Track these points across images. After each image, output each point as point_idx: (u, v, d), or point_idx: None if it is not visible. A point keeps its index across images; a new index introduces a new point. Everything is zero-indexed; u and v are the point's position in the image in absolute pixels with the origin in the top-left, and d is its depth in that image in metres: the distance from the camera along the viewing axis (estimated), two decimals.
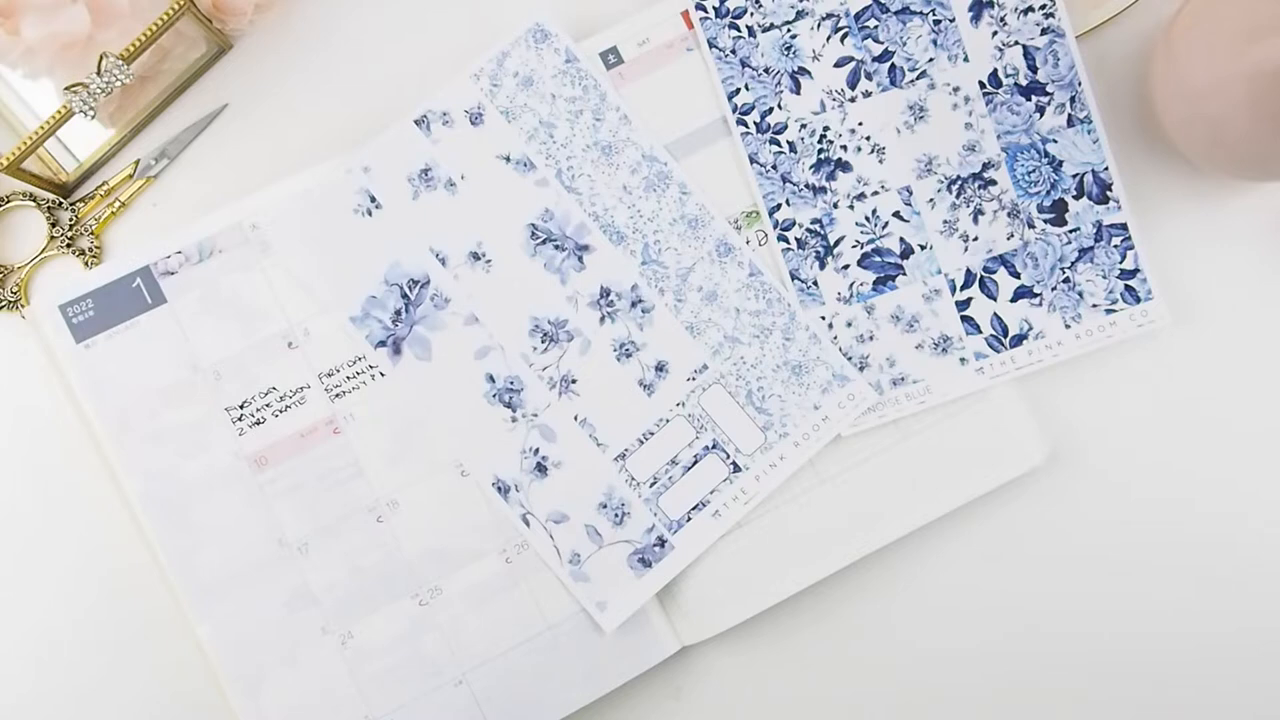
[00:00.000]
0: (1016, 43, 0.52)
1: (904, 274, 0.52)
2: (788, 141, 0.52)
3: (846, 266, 0.52)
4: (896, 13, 0.52)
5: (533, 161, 0.51)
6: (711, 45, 0.52)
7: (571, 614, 0.50)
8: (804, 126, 0.52)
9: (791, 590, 0.50)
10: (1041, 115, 0.52)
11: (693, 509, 0.50)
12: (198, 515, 0.49)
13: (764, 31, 0.52)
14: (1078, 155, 0.52)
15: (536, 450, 0.50)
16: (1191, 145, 0.50)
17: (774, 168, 0.52)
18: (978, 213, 0.52)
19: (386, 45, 0.54)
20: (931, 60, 0.52)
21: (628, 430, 0.51)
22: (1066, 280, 0.52)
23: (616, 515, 0.50)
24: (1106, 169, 0.52)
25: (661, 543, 0.50)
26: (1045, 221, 0.52)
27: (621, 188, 0.51)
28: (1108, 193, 0.52)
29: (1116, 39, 0.53)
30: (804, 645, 0.52)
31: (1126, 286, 0.52)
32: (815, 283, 0.52)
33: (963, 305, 0.52)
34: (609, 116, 0.52)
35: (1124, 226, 0.52)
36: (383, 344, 0.50)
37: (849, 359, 0.51)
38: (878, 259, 0.52)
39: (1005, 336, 0.51)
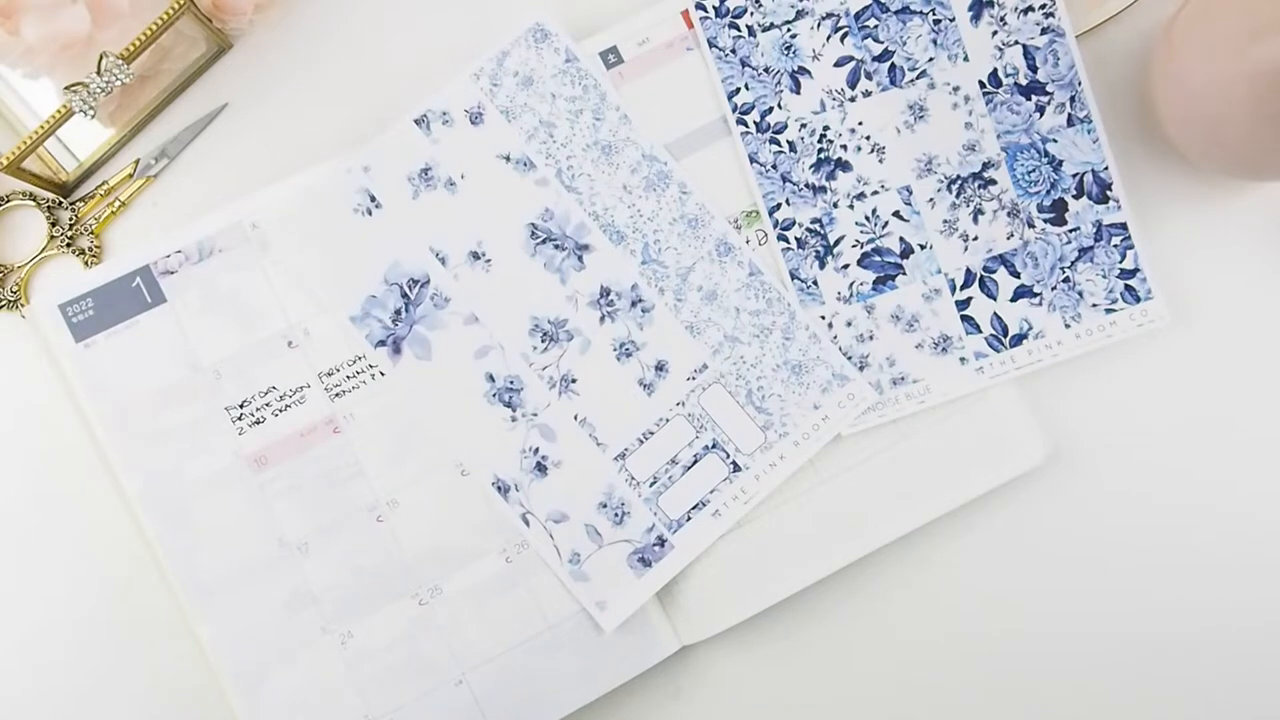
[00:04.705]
0: (1016, 42, 0.52)
1: (904, 274, 0.52)
2: (788, 141, 0.52)
3: (846, 266, 0.52)
4: (896, 12, 0.52)
5: (533, 161, 0.51)
6: (711, 45, 0.52)
7: (571, 614, 0.50)
8: (804, 126, 0.52)
9: (791, 590, 0.50)
10: (1041, 115, 0.52)
11: (693, 508, 0.50)
12: (198, 515, 0.49)
13: (764, 31, 0.52)
14: (1078, 155, 0.52)
15: (536, 450, 0.50)
16: (1191, 145, 0.50)
17: (774, 167, 0.52)
18: (978, 212, 0.52)
19: (386, 45, 0.54)
20: (931, 60, 0.52)
21: (628, 430, 0.51)
22: (1066, 280, 0.52)
23: (616, 515, 0.50)
24: (1106, 169, 0.52)
25: (661, 542, 0.50)
26: (1045, 221, 0.52)
27: (621, 187, 0.51)
28: (1108, 192, 0.52)
29: (1116, 38, 0.53)
30: (804, 645, 0.52)
31: (1126, 286, 0.52)
32: (815, 282, 0.52)
33: (963, 305, 0.52)
34: (609, 116, 0.52)
35: (1124, 226, 0.52)
36: (383, 343, 0.50)
37: (849, 358, 0.51)
38: (878, 258, 0.52)
39: (1005, 336, 0.51)
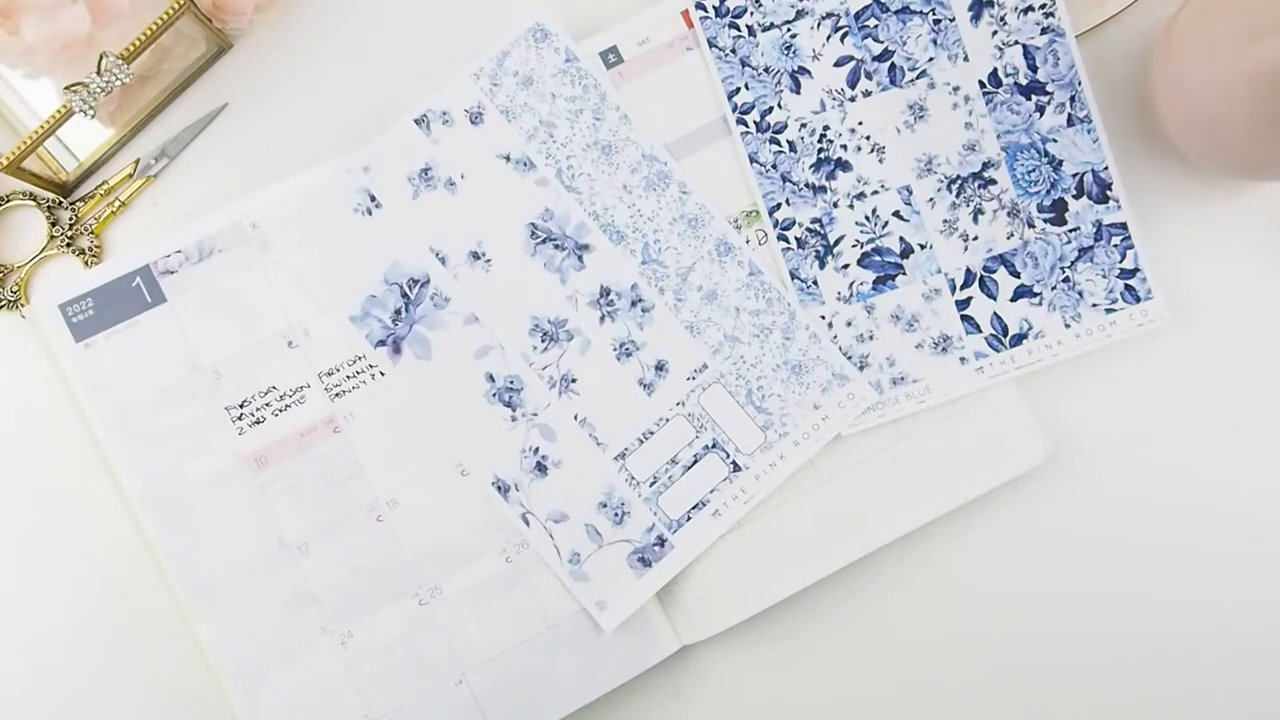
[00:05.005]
0: (1016, 42, 0.52)
1: (904, 273, 0.52)
2: (788, 141, 0.52)
3: (846, 266, 0.52)
4: (896, 12, 0.52)
5: (533, 161, 0.51)
6: (711, 45, 0.52)
7: (571, 614, 0.50)
8: (804, 126, 0.52)
9: (791, 590, 0.50)
10: (1041, 115, 0.52)
11: (693, 508, 0.50)
12: (198, 515, 0.49)
13: (764, 31, 0.52)
14: (1078, 155, 0.52)
15: (536, 450, 0.50)
16: (1191, 145, 0.50)
17: (774, 167, 0.52)
18: (978, 212, 0.52)
19: (386, 45, 0.54)
20: (931, 60, 0.52)
21: (628, 430, 0.50)
22: (1066, 280, 0.52)
23: (616, 515, 0.50)
24: (1106, 168, 0.52)
25: (661, 542, 0.50)
26: (1045, 221, 0.52)
27: (621, 187, 0.51)
28: (1107, 192, 0.52)
29: (1116, 38, 0.53)
30: (804, 645, 0.52)
31: (1126, 286, 0.52)
32: (815, 282, 0.52)
33: (963, 305, 0.52)
34: (609, 116, 0.52)
35: (1124, 226, 0.52)
36: (383, 343, 0.50)
37: (849, 358, 0.51)
38: (878, 258, 0.52)
39: (1005, 336, 0.51)
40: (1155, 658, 0.52)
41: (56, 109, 0.48)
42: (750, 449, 0.51)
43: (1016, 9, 0.52)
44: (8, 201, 0.53)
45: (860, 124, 0.52)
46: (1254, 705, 0.52)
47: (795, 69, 0.52)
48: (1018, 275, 0.52)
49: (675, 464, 0.50)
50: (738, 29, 0.52)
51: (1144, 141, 0.53)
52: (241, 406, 0.50)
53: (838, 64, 0.52)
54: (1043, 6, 0.52)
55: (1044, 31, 0.52)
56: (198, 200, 0.53)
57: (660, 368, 0.51)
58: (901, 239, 0.52)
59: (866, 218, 0.52)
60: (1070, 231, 0.52)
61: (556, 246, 0.51)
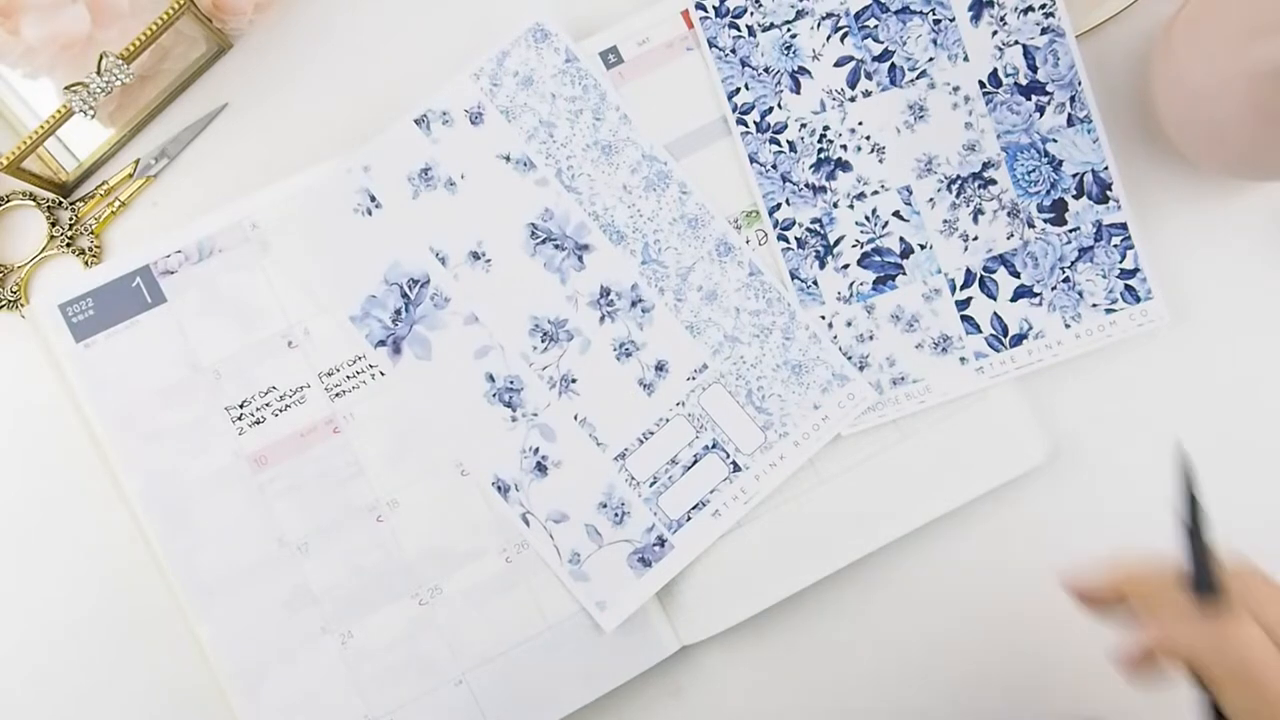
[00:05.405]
0: (1016, 42, 0.52)
1: (904, 273, 0.52)
2: (788, 141, 0.52)
3: (846, 266, 0.52)
4: (896, 12, 0.52)
5: (533, 161, 0.51)
6: (711, 45, 0.52)
7: (571, 614, 0.50)
8: (804, 126, 0.52)
9: (791, 590, 0.50)
10: (1041, 115, 0.52)
11: (693, 508, 0.50)
12: (198, 515, 0.49)
13: (764, 31, 0.52)
14: (1078, 155, 0.52)
15: (536, 450, 0.50)
16: (1191, 145, 0.50)
17: (774, 167, 0.52)
18: (978, 212, 0.52)
19: (386, 45, 0.54)
20: (931, 60, 0.52)
21: (628, 430, 0.50)
22: (1066, 280, 0.52)
23: (616, 515, 0.50)
24: (1106, 169, 0.52)
25: (661, 542, 0.50)
26: (1045, 221, 0.52)
27: (621, 187, 0.51)
28: (1107, 192, 0.52)
29: (1116, 39, 0.53)
30: (804, 645, 0.52)
31: (1126, 286, 0.52)
32: (815, 282, 0.52)
33: (963, 305, 0.52)
34: (609, 116, 0.52)
35: (1124, 226, 0.52)
36: (382, 343, 0.50)
37: (849, 358, 0.51)
38: (878, 258, 0.52)
39: (1005, 336, 0.51)
40: None
41: (56, 109, 0.48)
42: (750, 449, 0.51)
43: (1016, 9, 0.52)
44: (8, 201, 0.53)
45: (860, 124, 0.52)
46: None
47: (795, 69, 0.52)
48: (1018, 275, 0.52)
49: (675, 464, 0.50)
50: (738, 29, 0.52)
51: (1144, 141, 0.53)
52: (241, 406, 0.50)
53: (838, 64, 0.52)
54: (1043, 6, 0.52)
55: (1044, 31, 0.52)
56: (198, 200, 0.53)
57: (660, 368, 0.51)
58: (901, 239, 0.52)
59: (866, 218, 0.52)
60: (1070, 231, 0.52)
61: (556, 246, 0.51)
